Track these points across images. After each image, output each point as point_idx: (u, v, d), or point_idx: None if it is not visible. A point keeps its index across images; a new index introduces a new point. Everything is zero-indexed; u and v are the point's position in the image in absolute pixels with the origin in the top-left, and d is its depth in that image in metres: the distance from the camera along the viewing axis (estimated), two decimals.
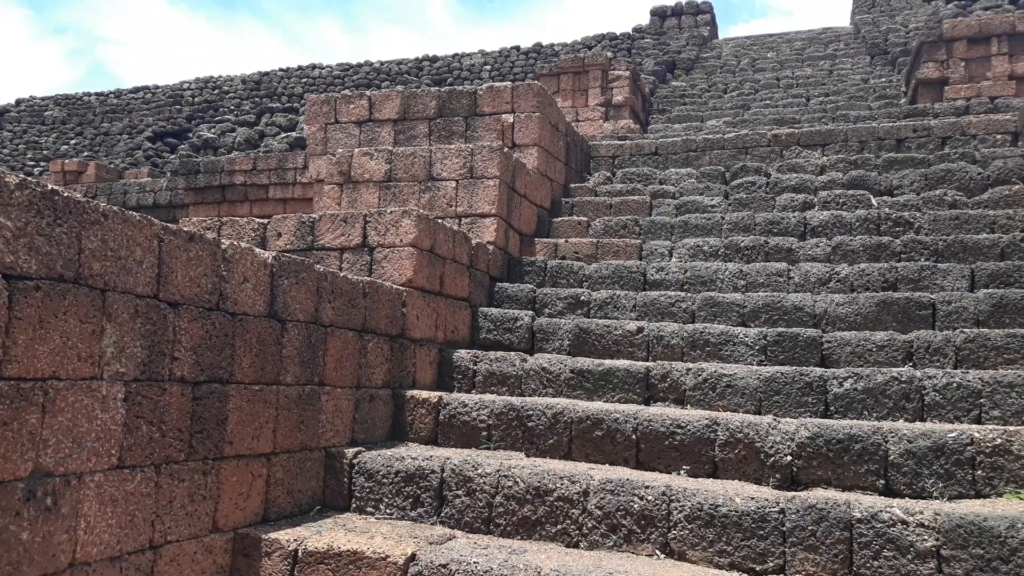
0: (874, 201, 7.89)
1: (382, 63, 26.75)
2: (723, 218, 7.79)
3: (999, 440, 3.81)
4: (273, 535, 3.61)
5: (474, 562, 3.30)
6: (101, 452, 2.92)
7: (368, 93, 8.97)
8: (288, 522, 3.87)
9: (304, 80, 27.20)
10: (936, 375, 4.68)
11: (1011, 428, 3.89)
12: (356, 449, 4.34)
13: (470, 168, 7.26)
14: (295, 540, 3.58)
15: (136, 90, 29.60)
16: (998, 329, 5.35)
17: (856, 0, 22.01)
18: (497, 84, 8.66)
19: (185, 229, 3.41)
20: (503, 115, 8.56)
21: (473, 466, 4.08)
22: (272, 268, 3.90)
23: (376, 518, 4.11)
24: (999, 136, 9.01)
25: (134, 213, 3.11)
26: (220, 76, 29.03)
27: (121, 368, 3.01)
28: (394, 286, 5.19)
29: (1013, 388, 4.52)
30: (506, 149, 7.49)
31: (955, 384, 4.61)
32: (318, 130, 9.02)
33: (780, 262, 6.87)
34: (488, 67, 24.90)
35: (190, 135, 26.48)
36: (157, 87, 29.48)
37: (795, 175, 8.78)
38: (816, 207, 7.98)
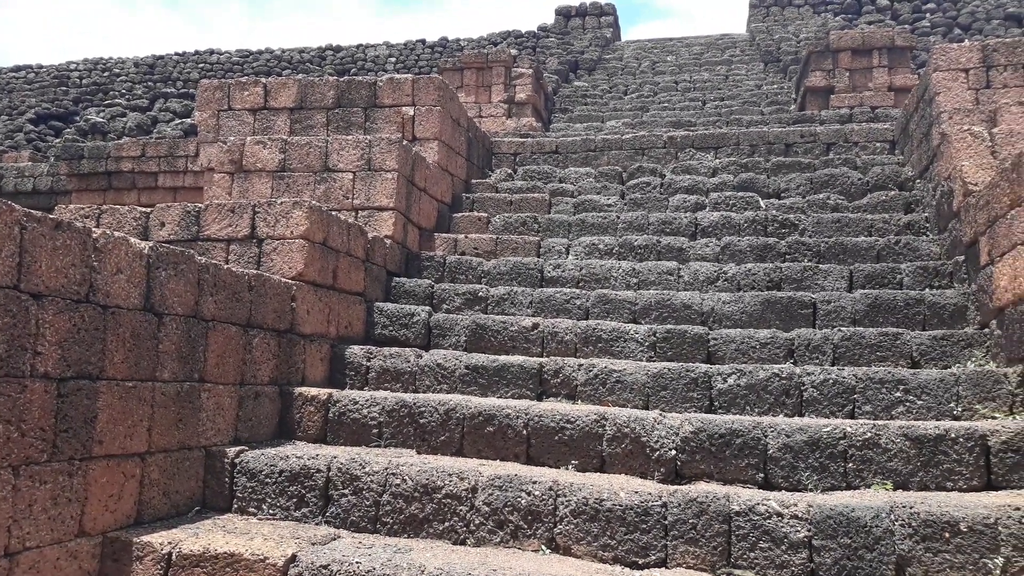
0: (762, 203, 8.17)
1: (284, 51, 26.06)
2: (619, 217, 7.91)
3: (869, 434, 3.99)
4: (146, 538, 3.45)
5: (356, 562, 3.23)
6: None
7: (263, 80, 8.70)
8: (163, 524, 3.71)
9: (201, 65, 26.23)
10: (814, 372, 4.87)
11: (879, 423, 4.09)
12: (238, 448, 4.20)
13: (368, 160, 7.14)
14: (169, 543, 3.43)
15: (17, 69, 27.95)
16: (872, 328, 5.62)
17: (752, 9, 22.76)
18: (398, 76, 8.54)
19: (52, 216, 3.21)
20: (403, 107, 8.45)
21: (361, 464, 4.00)
22: (149, 259, 3.73)
23: (258, 519, 3.99)
24: (878, 144, 9.46)
25: None
26: (111, 58, 27.71)
27: None
28: (283, 279, 5.04)
29: (883, 384, 4.75)
30: (406, 142, 7.40)
31: (831, 380, 4.81)
32: (210, 117, 8.70)
33: (671, 261, 7.03)
34: (393, 59, 24.60)
35: (77, 119, 25.15)
36: (41, 67, 27.90)
37: (689, 176, 9.00)
38: (707, 208, 8.20)
